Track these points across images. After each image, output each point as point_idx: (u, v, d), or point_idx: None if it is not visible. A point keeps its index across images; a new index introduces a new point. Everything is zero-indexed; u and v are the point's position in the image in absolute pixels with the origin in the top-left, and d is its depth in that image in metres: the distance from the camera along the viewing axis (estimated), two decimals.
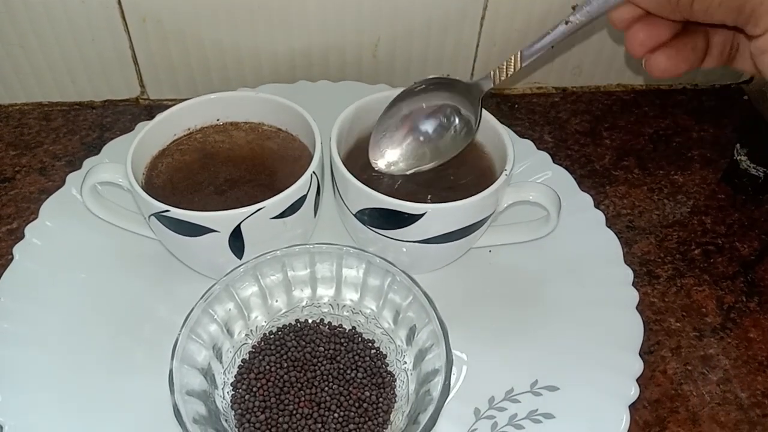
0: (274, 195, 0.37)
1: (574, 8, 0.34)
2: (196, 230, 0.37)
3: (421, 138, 0.41)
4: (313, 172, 0.39)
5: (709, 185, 0.52)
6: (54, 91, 0.56)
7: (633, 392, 0.37)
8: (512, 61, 0.36)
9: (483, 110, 0.42)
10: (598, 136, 0.56)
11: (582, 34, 0.56)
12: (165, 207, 0.36)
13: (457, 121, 0.40)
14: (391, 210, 0.38)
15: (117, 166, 0.39)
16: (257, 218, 0.37)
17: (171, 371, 0.33)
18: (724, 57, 0.32)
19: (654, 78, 0.32)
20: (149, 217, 0.38)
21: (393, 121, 0.41)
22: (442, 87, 0.40)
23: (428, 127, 0.41)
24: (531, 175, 0.49)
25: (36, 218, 0.45)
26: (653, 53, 0.31)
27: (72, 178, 0.47)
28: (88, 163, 0.48)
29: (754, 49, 0.27)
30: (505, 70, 0.37)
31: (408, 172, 0.41)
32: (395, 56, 0.56)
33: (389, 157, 0.41)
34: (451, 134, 0.40)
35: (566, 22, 0.34)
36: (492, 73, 0.38)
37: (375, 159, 0.41)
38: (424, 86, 0.40)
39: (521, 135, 0.52)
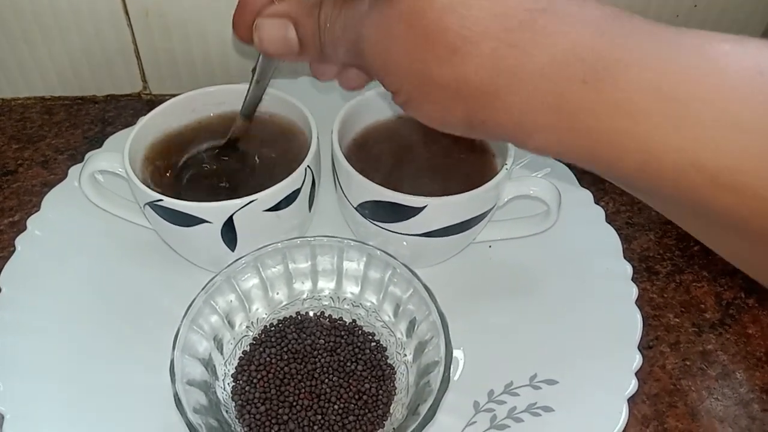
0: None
1: (253, 71, 0.38)
2: (188, 220, 0.37)
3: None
4: (308, 166, 0.39)
5: None
6: (56, 85, 0.56)
7: (632, 385, 0.37)
8: (239, 122, 0.41)
9: None
10: None
11: None
12: (158, 196, 0.37)
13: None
14: (392, 203, 0.38)
15: (115, 155, 0.40)
16: (250, 210, 0.37)
17: (172, 361, 0.34)
18: None
19: (347, 90, 0.35)
20: (144, 206, 0.38)
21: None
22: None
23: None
24: (531, 171, 0.49)
25: (38, 210, 0.45)
26: (341, 74, 0.33)
27: (74, 170, 0.47)
28: (90, 155, 0.48)
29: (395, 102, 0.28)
30: (235, 132, 0.42)
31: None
32: None
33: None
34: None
35: (256, 82, 0.38)
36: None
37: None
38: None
39: None
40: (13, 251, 0.43)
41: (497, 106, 0.24)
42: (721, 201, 0.21)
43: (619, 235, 0.45)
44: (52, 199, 0.46)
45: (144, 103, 0.57)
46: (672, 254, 0.47)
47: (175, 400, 0.33)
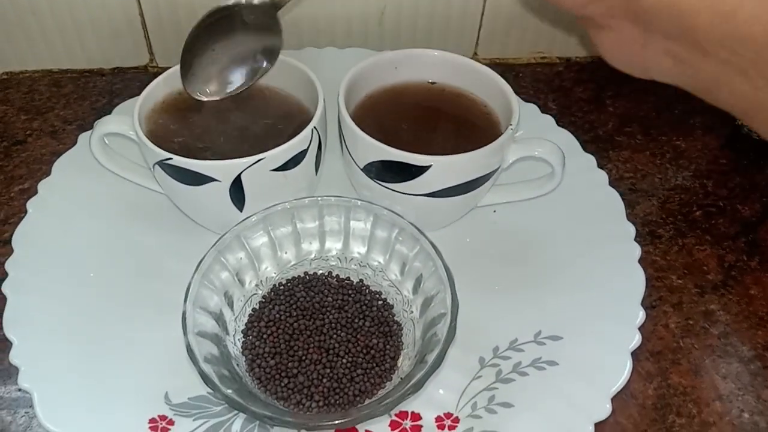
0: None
1: None
2: (197, 179, 0.38)
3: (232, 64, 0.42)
4: (315, 128, 0.39)
5: (711, 151, 0.53)
6: (64, 58, 0.57)
7: (636, 340, 0.38)
8: None
9: (488, 69, 0.43)
10: (602, 103, 0.57)
11: None
12: (167, 155, 0.37)
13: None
14: (398, 162, 0.38)
15: (125, 118, 0.40)
16: (257, 169, 0.38)
17: (184, 313, 0.34)
18: None
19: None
20: (153, 166, 0.39)
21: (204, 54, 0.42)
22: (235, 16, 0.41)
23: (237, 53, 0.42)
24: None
25: (48, 176, 0.46)
26: None
27: (84, 137, 0.48)
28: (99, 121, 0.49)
29: None
30: None
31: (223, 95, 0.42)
32: (401, 25, 0.57)
33: (206, 85, 0.42)
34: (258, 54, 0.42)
35: None
36: None
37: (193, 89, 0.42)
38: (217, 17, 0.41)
39: (525, 102, 0.53)
40: (24, 216, 0.44)
41: None
42: None
43: (622, 200, 0.46)
44: (63, 165, 0.46)
45: (151, 75, 0.57)
46: (675, 219, 0.48)
47: (187, 350, 0.33)
